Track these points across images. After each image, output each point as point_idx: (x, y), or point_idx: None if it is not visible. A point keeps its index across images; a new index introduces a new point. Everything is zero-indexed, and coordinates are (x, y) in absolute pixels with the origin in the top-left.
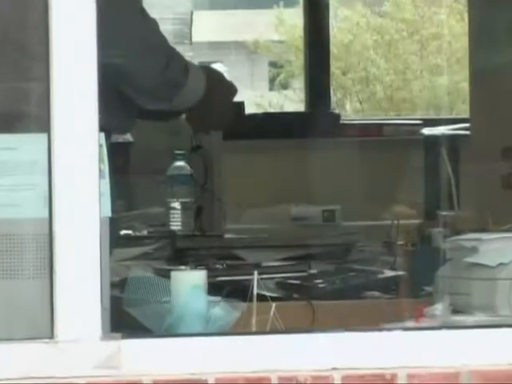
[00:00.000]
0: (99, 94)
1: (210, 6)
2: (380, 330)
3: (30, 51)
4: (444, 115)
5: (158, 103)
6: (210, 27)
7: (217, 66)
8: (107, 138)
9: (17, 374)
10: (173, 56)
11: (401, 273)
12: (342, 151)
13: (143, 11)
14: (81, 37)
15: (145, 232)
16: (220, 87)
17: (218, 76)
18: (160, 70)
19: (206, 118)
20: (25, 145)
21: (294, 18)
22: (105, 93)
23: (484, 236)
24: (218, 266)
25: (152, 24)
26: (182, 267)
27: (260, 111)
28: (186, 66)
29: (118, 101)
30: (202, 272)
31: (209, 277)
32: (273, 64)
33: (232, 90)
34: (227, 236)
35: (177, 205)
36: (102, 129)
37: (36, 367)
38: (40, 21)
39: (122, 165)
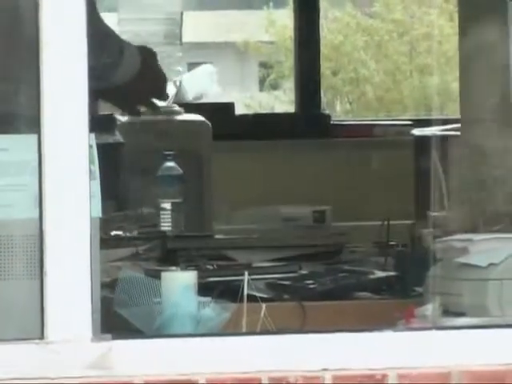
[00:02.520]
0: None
1: (199, 6)
2: (371, 330)
3: (20, 53)
4: (434, 116)
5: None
6: (199, 28)
7: (206, 67)
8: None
9: (7, 375)
10: (107, 39)
11: (391, 273)
12: (333, 152)
13: None
14: (71, 38)
15: (135, 233)
16: (153, 66)
17: (152, 55)
18: (119, 50)
19: (135, 94)
20: (15, 146)
21: (284, 19)
22: None
23: (474, 237)
24: (208, 266)
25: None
26: (173, 268)
27: (250, 112)
28: (121, 47)
29: None
30: (192, 273)
31: (199, 277)
32: (263, 65)
33: (162, 73)
34: (217, 237)
35: (167, 205)
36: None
37: (27, 368)
38: (30, 23)
39: (113, 165)
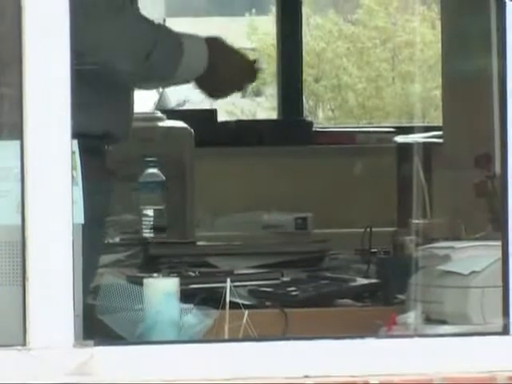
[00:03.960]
0: (83, 101)
1: (182, 12)
2: (352, 337)
3: (2, 58)
4: (416, 123)
5: (153, 85)
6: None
7: None
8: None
9: None
10: (158, 39)
11: (373, 281)
12: (315, 159)
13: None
14: (54, 43)
15: (117, 239)
16: (227, 55)
17: (224, 45)
18: (144, 56)
19: (217, 84)
20: None
21: (266, 26)
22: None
23: (457, 244)
24: (190, 273)
25: (129, 16)
26: (155, 275)
27: (232, 119)
28: (179, 43)
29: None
30: (174, 279)
31: (181, 284)
32: None
33: (242, 57)
34: (199, 243)
35: (149, 212)
36: (85, 135)
37: (8, 374)
38: (12, 27)
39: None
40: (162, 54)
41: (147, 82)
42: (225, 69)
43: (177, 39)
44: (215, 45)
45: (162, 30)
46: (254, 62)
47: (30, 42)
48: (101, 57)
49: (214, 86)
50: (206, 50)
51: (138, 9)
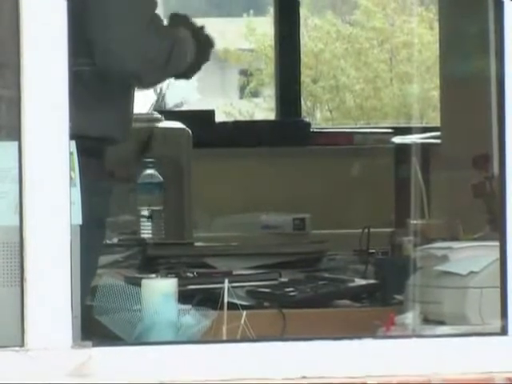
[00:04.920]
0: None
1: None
2: (350, 338)
3: (1, 60)
4: (414, 124)
5: (160, 80)
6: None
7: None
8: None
9: None
10: (175, 43)
11: (371, 281)
12: (313, 159)
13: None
14: (52, 46)
15: (115, 240)
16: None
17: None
18: (165, 62)
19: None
20: None
21: (264, 27)
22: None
23: (455, 245)
24: (188, 274)
25: (155, 30)
26: (153, 275)
27: (230, 119)
28: (172, 42)
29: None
30: (172, 280)
31: (179, 285)
32: (243, 72)
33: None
34: (197, 244)
35: (147, 213)
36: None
37: (6, 375)
38: (11, 31)
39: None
40: (179, 55)
41: (162, 81)
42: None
43: (188, 35)
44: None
45: (174, 31)
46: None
47: (28, 45)
48: (127, 69)
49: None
50: (193, 42)
51: (160, 18)
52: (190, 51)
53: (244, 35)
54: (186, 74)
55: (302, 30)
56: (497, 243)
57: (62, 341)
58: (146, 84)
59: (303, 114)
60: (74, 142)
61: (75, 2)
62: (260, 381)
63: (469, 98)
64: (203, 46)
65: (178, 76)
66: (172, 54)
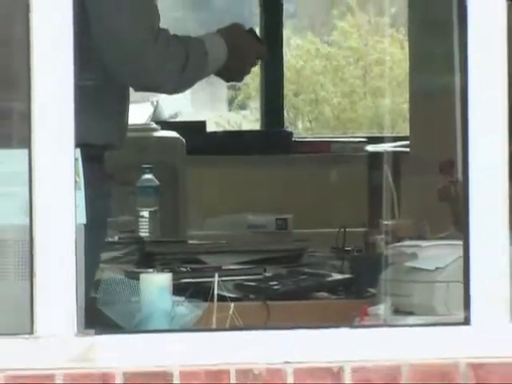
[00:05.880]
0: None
1: (185, 32)
2: (328, 327)
3: (13, 77)
4: (386, 133)
5: (185, 88)
6: None
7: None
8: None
9: (0, 365)
10: (189, 52)
11: (347, 276)
12: (294, 166)
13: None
14: (59, 63)
15: (116, 238)
16: (239, 42)
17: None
18: (180, 72)
19: (235, 70)
20: (8, 159)
21: None
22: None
23: (422, 243)
24: (182, 269)
25: (164, 42)
26: (150, 270)
27: (220, 129)
28: (203, 47)
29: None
30: (167, 274)
31: (174, 279)
32: (231, 87)
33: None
34: (190, 242)
35: (145, 213)
36: (85, 144)
37: (17, 360)
38: (22, 50)
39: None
40: (194, 63)
41: (186, 86)
42: (240, 55)
43: (201, 44)
44: (229, 36)
45: (190, 42)
46: (258, 38)
47: (37, 62)
48: (141, 81)
49: (232, 72)
50: (224, 44)
51: (168, 32)
52: (217, 57)
53: None
54: (233, 76)
55: (285, 48)
56: (460, 242)
57: (67, 329)
58: (168, 91)
59: (286, 124)
60: (78, 150)
61: (82, 23)
62: (247, 365)
63: (435, 111)
64: (250, 49)
65: (229, 79)
66: (188, 62)
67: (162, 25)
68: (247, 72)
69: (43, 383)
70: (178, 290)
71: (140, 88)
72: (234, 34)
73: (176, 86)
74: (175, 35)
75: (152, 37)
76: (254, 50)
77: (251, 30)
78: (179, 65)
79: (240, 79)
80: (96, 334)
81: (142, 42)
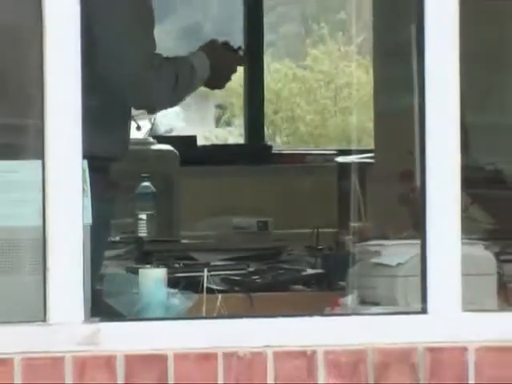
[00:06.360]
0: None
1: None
2: (303, 315)
3: (29, 97)
4: (354, 147)
5: (178, 102)
6: None
7: (174, 108)
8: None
9: (17, 349)
10: (178, 72)
11: (320, 271)
12: (274, 175)
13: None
14: (69, 85)
15: (118, 238)
16: (219, 56)
17: (220, 50)
18: (172, 90)
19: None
20: (24, 169)
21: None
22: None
23: (385, 242)
24: (175, 265)
25: (161, 68)
26: (147, 266)
27: (209, 143)
28: (191, 65)
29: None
30: (163, 270)
31: (168, 273)
32: (219, 106)
33: (232, 56)
34: (183, 241)
35: (143, 216)
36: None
37: (32, 344)
38: (36, 72)
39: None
40: (183, 81)
41: (178, 101)
42: (220, 65)
43: (189, 63)
44: (210, 51)
45: (178, 62)
46: (238, 50)
47: (50, 85)
48: (141, 101)
49: (216, 81)
50: (207, 58)
51: (160, 54)
52: (202, 73)
53: None
54: (217, 85)
55: (266, 72)
56: (418, 241)
57: (75, 317)
58: (163, 108)
59: (266, 139)
60: (85, 161)
61: (89, 50)
62: (232, 349)
63: (396, 127)
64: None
65: (214, 87)
66: (178, 80)
67: (157, 51)
68: (228, 79)
69: (55, 364)
70: (172, 283)
71: (139, 107)
72: (213, 48)
73: (169, 102)
74: (166, 57)
75: (149, 62)
76: (232, 60)
77: (226, 43)
78: (171, 84)
79: (223, 86)
80: (101, 321)
81: (142, 68)
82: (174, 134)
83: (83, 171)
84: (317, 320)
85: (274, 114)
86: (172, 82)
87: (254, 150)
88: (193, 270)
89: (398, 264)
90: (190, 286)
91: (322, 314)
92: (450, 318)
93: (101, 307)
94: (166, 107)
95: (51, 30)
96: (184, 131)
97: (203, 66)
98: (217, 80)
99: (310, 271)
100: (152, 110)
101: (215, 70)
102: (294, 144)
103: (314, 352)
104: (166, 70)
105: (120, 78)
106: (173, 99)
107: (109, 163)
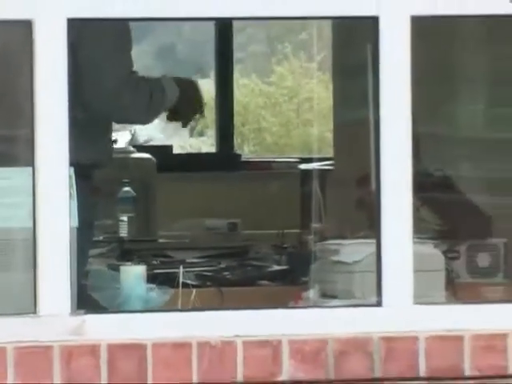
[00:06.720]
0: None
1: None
2: (269, 308)
3: (19, 109)
4: (315, 155)
5: (152, 119)
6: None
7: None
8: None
9: (9, 339)
10: (152, 90)
11: (285, 267)
12: (242, 181)
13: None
14: (57, 99)
15: (101, 238)
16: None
17: (189, 84)
18: (147, 105)
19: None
20: (16, 175)
21: (208, 85)
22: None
23: (344, 241)
24: (153, 262)
25: (139, 85)
26: (128, 263)
27: (184, 152)
28: (161, 86)
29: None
30: (142, 266)
31: (147, 270)
32: (192, 119)
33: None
34: (160, 241)
35: (124, 218)
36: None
37: (23, 334)
38: (28, 92)
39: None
40: (157, 100)
41: (151, 119)
42: (186, 101)
43: (161, 85)
44: (182, 83)
45: (152, 82)
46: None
47: (40, 102)
48: (119, 116)
49: (182, 115)
50: (177, 86)
51: (137, 76)
52: (171, 96)
53: None
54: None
55: (235, 88)
56: (373, 240)
57: (63, 309)
58: (141, 123)
59: (235, 148)
60: (72, 168)
61: (75, 68)
62: (205, 338)
63: (354, 137)
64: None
65: (171, 118)
66: (152, 97)
67: (134, 69)
68: (190, 116)
69: (44, 352)
70: (151, 278)
71: (118, 121)
72: (183, 81)
73: (145, 118)
74: (142, 76)
75: (128, 83)
76: (196, 100)
77: (194, 83)
78: (146, 101)
79: (186, 119)
80: (86, 313)
81: (120, 86)
82: (152, 143)
83: (70, 177)
84: (282, 312)
85: (243, 126)
86: (147, 99)
87: (224, 158)
88: (169, 266)
89: (355, 261)
90: (167, 281)
91: (287, 307)
92: (402, 310)
93: (86, 301)
94: (141, 122)
95: (41, 51)
96: (161, 141)
97: (173, 90)
98: (183, 114)
99: (275, 268)
100: (130, 123)
101: (182, 103)
102: (261, 152)
103: (280, 341)
104: (141, 88)
105: (101, 95)
106: (147, 115)
107: (93, 170)
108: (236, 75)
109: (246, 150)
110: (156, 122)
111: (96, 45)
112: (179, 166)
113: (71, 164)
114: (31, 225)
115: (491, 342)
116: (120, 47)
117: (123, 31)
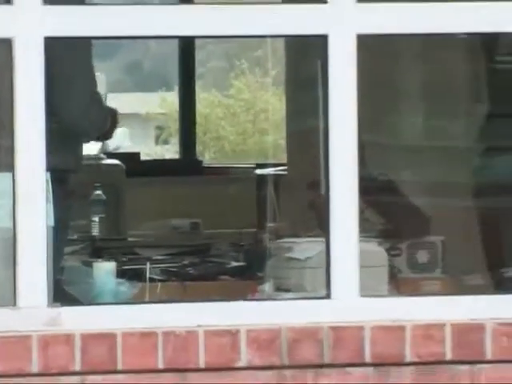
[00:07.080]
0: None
1: (116, 89)
2: (228, 300)
3: (1, 122)
4: (270, 161)
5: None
6: (119, 104)
7: (122, 129)
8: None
9: None
10: (100, 105)
11: (242, 264)
12: (204, 185)
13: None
14: (33, 113)
15: (75, 236)
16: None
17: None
18: (104, 119)
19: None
20: None
21: (172, 98)
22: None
23: (297, 240)
24: (123, 259)
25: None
26: (100, 260)
27: (150, 158)
28: (109, 109)
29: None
30: (113, 263)
31: (117, 266)
32: (158, 128)
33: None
34: (129, 239)
35: (96, 219)
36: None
37: (3, 325)
38: (9, 106)
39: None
40: (106, 117)
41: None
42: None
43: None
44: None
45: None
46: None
47: (19, 113)
48: (85, 127)
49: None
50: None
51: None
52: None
53: (158, 104)
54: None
55: (197, 100)
56: (323, 239)
57: (40, 302)
58: (100, 132)
59: (197, 154)
60: (49, 173)
61: (50, 85)
62: (169, 328)
63: (305, 145)
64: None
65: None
66: (107, 115)
67: (101, 85)
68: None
69: (23, 342)
70: (120, 274)
71: (83, 132)
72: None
73: (104, 129)
74: (98, 95)
75: (91, 100)
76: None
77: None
78: (106, 116)
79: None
80: (62, 305)
81: (87, 102)
82: (121, 150)
83: (47, 182)
84: (240, 304)
85: (204, 135)
86: (106, 114)
87: (187, 164)
88: (137, 263)
89: (307, 258)
90: (135, 276)
91: (244, 299)
92: (349, 302)
93: (62, 294)
94: (102, 133)
95: (20, 67)
96: (129, 148)
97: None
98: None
99: (234, 264)
100: (93, 134)
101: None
102: (220, 159)
103: (238, 331)
104: (103, 104)
105: (71, 109)
106: (106, 127)
107: (68, 175)
108: (198, 89)
109: (207, 157)
110: (125, 131)
111: (66, 67)
112: (146, 171)
113: (48, 169)
114: (11, 225)
115: (430, 332)
116: (85, 69)
117: (87, 56)
